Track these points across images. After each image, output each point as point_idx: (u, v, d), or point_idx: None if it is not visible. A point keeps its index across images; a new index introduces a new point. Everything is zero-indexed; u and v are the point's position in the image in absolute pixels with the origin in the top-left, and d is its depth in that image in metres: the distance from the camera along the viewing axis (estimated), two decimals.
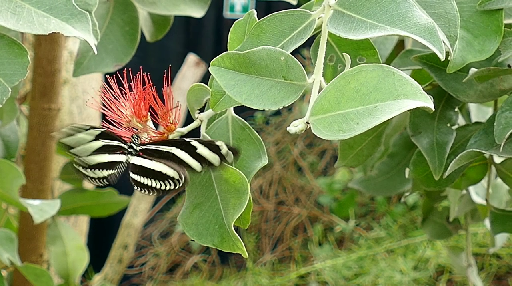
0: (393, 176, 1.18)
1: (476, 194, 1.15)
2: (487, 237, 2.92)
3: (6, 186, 1.19)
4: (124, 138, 0.79)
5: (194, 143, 0.75)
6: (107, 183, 0.79)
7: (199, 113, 0.80)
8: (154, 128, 0.80)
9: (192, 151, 0.76)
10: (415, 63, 0.91)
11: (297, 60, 0.71)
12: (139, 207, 2.73)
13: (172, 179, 0.76)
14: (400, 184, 1.18)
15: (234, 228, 0.77)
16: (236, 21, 0.79)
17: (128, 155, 0.78)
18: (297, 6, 1.01)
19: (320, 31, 0.74)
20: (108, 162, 0.78)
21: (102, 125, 0.79)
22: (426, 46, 0.70)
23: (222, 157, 0.75)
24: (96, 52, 0.77)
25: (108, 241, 2.93)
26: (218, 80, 0.71)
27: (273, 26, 0.75)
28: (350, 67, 0.72)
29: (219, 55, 0.72)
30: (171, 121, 0.79)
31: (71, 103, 1.99)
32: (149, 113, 0.79)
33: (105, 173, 0.78)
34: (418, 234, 3.16)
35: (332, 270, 3.12)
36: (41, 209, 1.22)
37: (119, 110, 0.79)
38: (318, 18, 0.75)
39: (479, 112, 1.09)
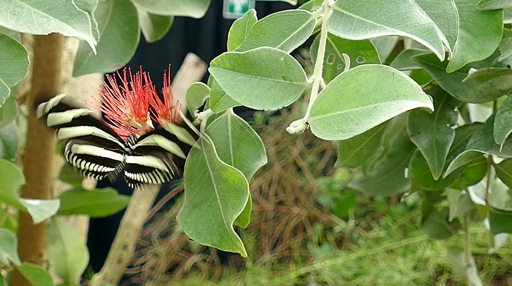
0: (393, 176, 1.18)
1: (476, 194, 1.15)
2: (486, 237, 2.92)
3: (6, 186, 1.19)
4: (122, 137, 0.79)
5: (169, 127, 0.75)
6: (99, 179, 0.79)
7: (198, 112, 0.80)
8: (154, 128, 0.80)
9: (172, 137, 0.76)
10: (414, 63, 0.91)
11: (296, 61, 0.71)
12: (138, 207, 2.73)
13: (161, 171, 0.76)
14: (400, 184, 1.18)
15: (234, 228, 0.77)
16: (235, 21, 0.79)
17: (125, 155, 0.78)
18: (297, 6, 1.01)
19: (320, 31, 0.74)
20: (104, 157, 0.78)
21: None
22: (425, 47, 0.70)
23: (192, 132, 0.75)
24: (95, 53, 0.77)
25: (108, 241, 2.93)
26: (218, 81, 0.71)
27: (272, 27, 0.75)
28: (350, 67, 0.72)
29: (219, 56, 0.72)
30: (171, 121, 0.79)
31: None
32: (148, 112, 0.79)
33: (100, 168, 0.78)
34: (417, 234, 3.16)
35: (332, 270, 3.12)
36: (40, 209, 1.22)
37: (119, 109, 0.79)
38: (318, 19, 0.75)
39: (478, 112, 1.09)
